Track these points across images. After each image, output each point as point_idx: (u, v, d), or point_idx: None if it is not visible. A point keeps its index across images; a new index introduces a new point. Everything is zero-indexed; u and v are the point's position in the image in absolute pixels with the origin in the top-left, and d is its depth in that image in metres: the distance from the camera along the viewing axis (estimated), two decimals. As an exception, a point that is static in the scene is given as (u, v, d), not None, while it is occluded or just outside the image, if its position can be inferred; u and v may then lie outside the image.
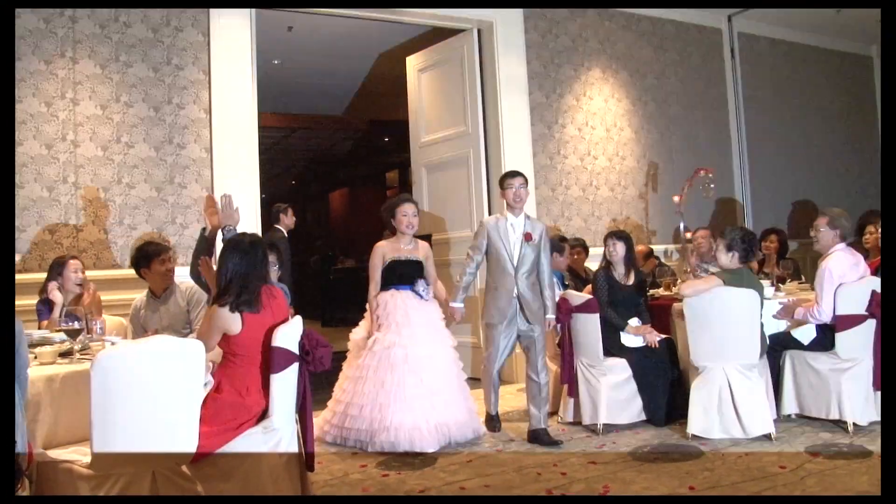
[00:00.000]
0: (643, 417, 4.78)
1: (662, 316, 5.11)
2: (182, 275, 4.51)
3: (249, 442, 3.12)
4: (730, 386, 4.38)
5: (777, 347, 4.69)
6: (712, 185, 6.78)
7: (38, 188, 5.08)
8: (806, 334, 4.65)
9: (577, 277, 5.88)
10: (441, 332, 4.71)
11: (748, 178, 8.38)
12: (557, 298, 4.79)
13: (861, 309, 4.40)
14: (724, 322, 4.41)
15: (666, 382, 4.79)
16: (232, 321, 3.16)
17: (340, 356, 4.61)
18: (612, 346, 4.82)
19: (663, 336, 4.92)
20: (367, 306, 4.79)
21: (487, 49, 6.81)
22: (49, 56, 5.16)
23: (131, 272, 4.41)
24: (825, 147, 9.20)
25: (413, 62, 7.48)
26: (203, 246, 4.02)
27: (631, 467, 3.96)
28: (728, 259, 4.53)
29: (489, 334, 4.69)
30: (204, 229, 4.13)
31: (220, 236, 3.94)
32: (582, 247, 6.15)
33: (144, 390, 2.68)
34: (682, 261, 6.49)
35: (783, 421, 4.57)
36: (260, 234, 5.49)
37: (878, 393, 4.41)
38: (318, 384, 5.05)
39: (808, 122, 9.08)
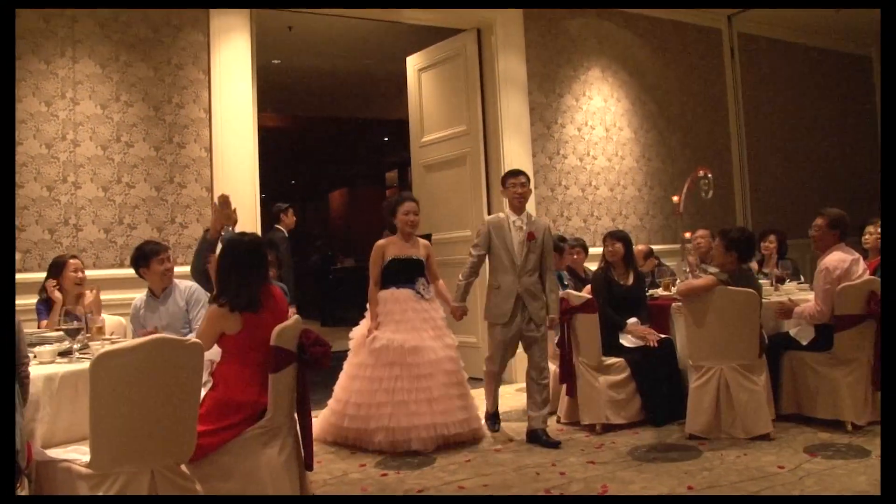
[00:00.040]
0: (642, 417, 4.78)
1: (661, 316, 5.11)
2: (182, 274, 4.52)
3: (248, 441, 3.13)
4: (728, 386, 4.39)
5: (776, 347, 4.69)
6: (711, 186, 6.77)
7: (37, 187, 5.09)
8: (805, 334, 4.66)
9: (576, 277, 5.88)
10: (442, 330, 4.68)
11: (747, 178, 8.38)
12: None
13: (860, 309, 4.39)
14: (723, 322, 4.41)
15: (665, 382, 4.79)
16: (231, 321, 3.17)
17: (339, 355, 4.60)
18: (611, 346, 4.83)
19: (662, 336, 4.93)
20: (368, 305, 4.78)
21: (487, 49, 6.81)
22: (49, 55, 5.17)
23: (131, 272, 4.42)
24: (824, 147, 9.21)
25: (413, 62, 7.49)
26: (205, 246, 4.02)
27: (630, 467, 3.96)
28: (727, 259, 4.54)
29: (491, 333, 4.69)
30: (206, 230, 4.14)
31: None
32: (581, 247, 6.15)
33: (143, 389, 2.69)
34: (682, 261, 6.49)
35: (782, 421, 4.56)
36: (259, 233, 5.50)
37: (877, 393, 4.42)
38: (319, 383, 5.05)
39: (807, 123, 9.09)
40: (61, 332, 3.51)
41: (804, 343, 4.65)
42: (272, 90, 8.68)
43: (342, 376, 4.71)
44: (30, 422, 2.84)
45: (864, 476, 3.61)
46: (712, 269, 4.96)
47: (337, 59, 8.81)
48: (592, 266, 5.96)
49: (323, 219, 18.76)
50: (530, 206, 6.16)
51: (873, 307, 4.33)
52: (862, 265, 4.56)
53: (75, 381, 3.00)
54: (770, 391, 4.52)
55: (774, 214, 8.34)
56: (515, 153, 6.68)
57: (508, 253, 4.57)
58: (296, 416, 3.34)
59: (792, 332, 4.74)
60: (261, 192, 5.85)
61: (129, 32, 5.42)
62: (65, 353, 3.34)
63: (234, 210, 4.07)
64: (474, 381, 5.11)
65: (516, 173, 4.71)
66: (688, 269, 5.74)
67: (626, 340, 4.91)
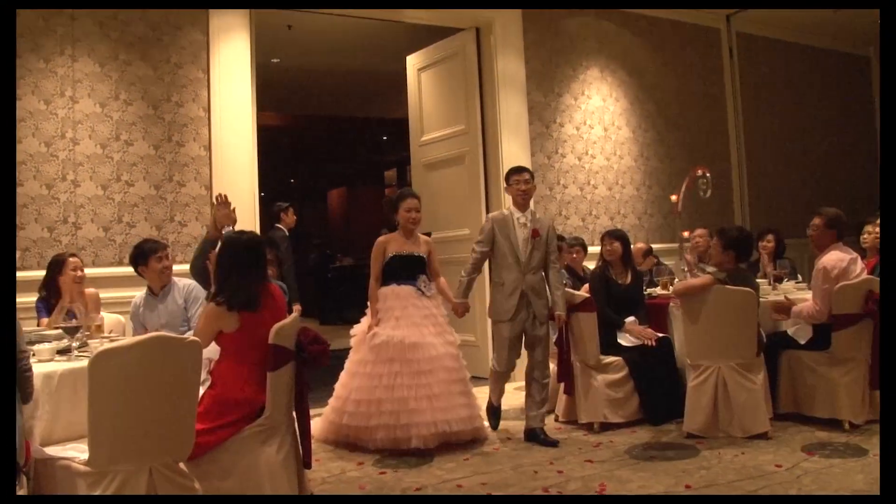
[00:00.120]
0: (640, 416, 4.79)
1: (660, 315, 5.12)
2: (180, 272, 4.52)
3: (247, 439, 3.14)
4: (726, 385, 4.40)
5: (774, 346, 4.70)
6: (709, 185, 6.78)
7: (36, 186, 5.09)
8: (802, 334, 4.67)
9: (575, 276, 5.88)
10: (443, 327, 4.64)
11: (745, 178, 8.39)
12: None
13: (857, 308, 4.40)
14: (721, 321, 4.42)
15: (663, 381, 4.80)
16: (229, 319, 3.17)
17: (338, 354, 4.60)
18: (610, 345, 4.84)
19: (660, 335, 4.94)
20: (368, 301, 4.76)
21: (486, 48, 6.82)
22: (48, 54, 5.17)
23: (130, 270, 4.42)
24: (822, 147, 9.22)
25: (413, 61, 7.49)
26: (206, 246, 4.03)
27: (627, 466, 3.97)
28: (724, 258, 4.54)
29: (496, 331, 4.66)
30: (208, 231, 4.14)
31: None
32: (581, 246, 6.15)
33: (142, 387, 2.69)
34: (680, 260, 6.50)
35: (779, 420, 4.57)
36: (258, 232, 5.50)
37: (875, 392, 4.43)
38: (319, 382, 5.06)
39: (806, 122, 9.10)
40: (60, 330, 3.52)
41: (802, 342, 4.65)
42: (271, 89, 8.69)
43: (343, 374, 4.68)
44: (28, 420, 2.84)
45: (862, 475, 3.62)
46: (710, 269, 4.97)
47: (336, 57, 8.82)
48: (591, 265, 5.97)
49: (322, 218, 18.77)
50: (529, 205, 6.17)
51: (871, 306, 4.34)
52: (860, 264, 4.57)
53: (74, 380, 3.00)
54: (768, 390, 4.53)
55: (772, 214, 8.35)
56: (514, 152, 6.68)
57: (513, 250, 4.55)
58: (294, 414, 3.34)
59: (790, 332, 4.75)
60: (260, 191, 5.85)
61: (128, 31, 5.42)
62: (63, 352, 3.35)
63: (234, 209, 4.08)
64: (474, 379, 5.11)
65: (520, 170, 4.70)
66: (686, 269, 5.75)
67: (625, 339, 4.92)
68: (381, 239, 4.76)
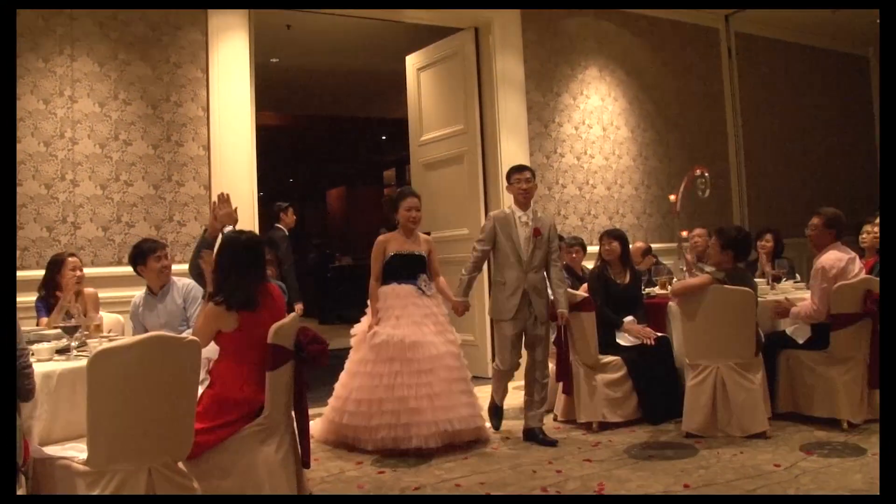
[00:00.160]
0: (638, 415, 4.79)
1: (658, 314, 5.12)
2: (179, 272, 4.52)
3: (246, 439, 3.14)
4: (725, 384, 4.40)
5: (772, 346, 4.70)
6: (708, 185, 6.79)
7: (35, 185, 5.09)
8: (801, 333, 4.67)
9: (574, 276, 5.89)
10: (444, 326, 4.62)
11: (744, 177, 8.40)
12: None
13: (856, 308, 4.40)
14: (720, 321, 4.42)
15: (661, 381, 4.81)
16: (227, 319, 3.18)
17: (337, 353, 4.59)
18: (608, 345, 4.84)
19: (659, 334, 4.94)
20: (368, 301, 4.74)
21: (485, 48, 6.82)
22: (47, 53, 5.17)
23: (129, 269, 4.42)
24: (821, 146, 9.23)
25: (412, 61, 7.49)
26: (204, 245, 4.03)
27: (626, 465, 3.97)
28: (723, 258, 4.55)
29: (498, 330, 4.64)
30: (205, 230, 4.14)
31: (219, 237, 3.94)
32: (580, 245, 6.16)
33: (140, 387, 2.69)
34: (679, 259, 6.51)
35: (778, 419, 4.57)
36: (257, 232, 5.50)
37: (873, 392, 4.44)
38: (318, 382, 5.06)
39: (805, 122, 9.11)
40: (59, 330, 3.52)
41: (800, 342, 4.66)
42: (270, 89, 8.68)
43: (343, 374, 4.66)
44: (27, 419, 2.84)
45: (860, 474, 3.62)
46: (708, 268, 4.98)
47: (335, 57, 8.82)
48: (590, 265, 5.97)
49: (321, 217, 18.77)
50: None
51: (869, 306, 4.35)
52: (858, 264, 4.57)
53: (73, 379, 3.00)
54: (766, 390, 4.54)
55: (771, 213, 8.36)
56: (513, 152, 6.69)
57: (515, 249, 4.53)
58: (293, 413, 3.34)
59: (788, 331, 4.75)
60: (259, 191, 5.85)
61: (127, 31, 5.42)
62: (62, 351, 3.35)
63: (235, 209, 4.07)
64: (473, 379, 5.10)
65: (521, 169, 4.69)
66: (684, 269, 5.75)
67: (623, 339, 4.93)
68: (381, 238, 4.74)
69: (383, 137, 14.10)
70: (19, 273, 4.82)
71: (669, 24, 8.00)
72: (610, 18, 7.58)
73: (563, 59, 7.25)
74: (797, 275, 6.09)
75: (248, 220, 5.48)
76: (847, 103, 9.55)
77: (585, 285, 5.19)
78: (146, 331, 4.16)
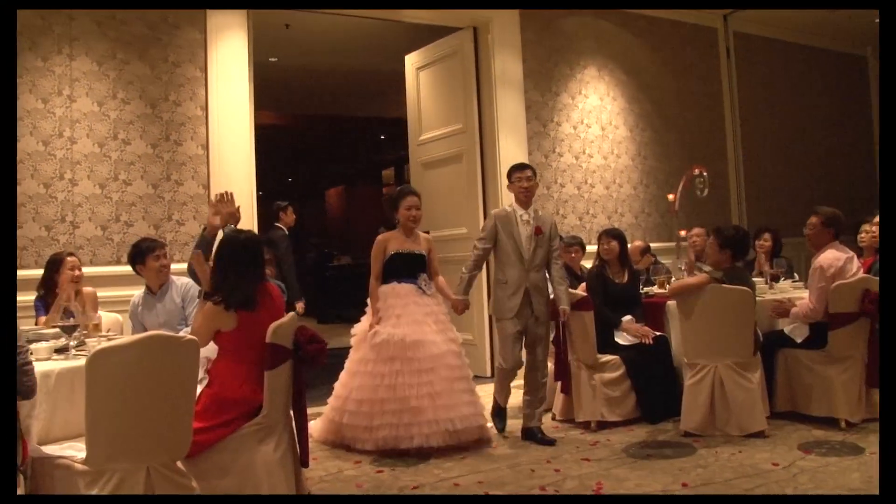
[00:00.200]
0: (637, 415, 4.80)
1: (657, 314, 5.12)
2: (178, 271, 4.52)
3: (244, 438, 3.14)
4: (723, 383, 4.40)
5: (770, 345, 4.71)
6: (707, 184, 6.80)
7: (34, 184, 5.09)
8: (799, 332, 4.68)
9: (572, 275, 5.89)
10: (444, 325, 4.60)
11: (742, 177, 8.41)
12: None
13: (854, 307, 4.41)
14: (718, 320, 4.42)
15: (660, 380, 4.81)
16: (226, 318, 3.18)
17: (336, 352, 4.58)
18: (607, 344, 4.84)
19: (657, 333, 4.94)
20: (369, 300, 4.73)
21: (483, 47, 6.83)
22: (46, 53, 5.17)
23: (128, 269, 4.42)
24: (819, 146, 9.24)
25: (411, 60, 7.50)
26: (203, 244, 4.02)
27: (624, 464, 3.98)
28: (721, 257, 4.55)
29: (500, 328, 4.63)
30: (205, 228, 4.14)
31: (219, 236, 3.94)
32: (580, 245, 6.16)
33: (139, 386, 2.69)
34: (678, 258, 6.51)
35: (776, 418, 4.57)
36: (256, 231, 5.50)
37: (871, 391, 4.44)
38: (318, 382, 5.07)
39: (803, 122, 9.12)
40: (58, 329, 3.52)
41: (798, 341, 4.66)
42: (269, 88, 8.68)
43: (343, 374, 4.64)
44: (26, 418, 2.83)
45: (858, 473, 3.63)
46: (707, 268, 4.98)
47: (334, 57, 8.81)
48: (589, 264, 5.97)
49: (320, 217, 18.77)
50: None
51: (867, 305, 4.35)
52: (856, 263, 4.58)
53: (72, 378, 3.00)
54: (764, 389, 4.54)
55: (769, 213, 8.36)
56: (511, 151, 6.69)
57: (516, 247, 4.52)
58: (291, 412, 3.35)
59: (786, 330, 4.76)
60: (258, 190, 5.86)
61: (125, 30, 5.42)
62: (61, 350, 3.35)
63: (238, 208, 4.06)
64: (473, 378, 5.10)
65: (522, 167, 4.68)
66: (683, 268, 5.76)
67: (622, 338, 4.93)
68: (381, 237, 4.73)
69: (382, 137, 14.09)
70: (18, 272, 4.82)
71: (668, 24, 8.01)
72: (609, 18, 7.58)
73: (561, 58, 7.26)
74: (795, 274, 6.09)
75: (248, 219, 5.47)
76: (845, 103, 9.56)
77: (584, 285, 5.19)
78: (145, 330, 4.16)
